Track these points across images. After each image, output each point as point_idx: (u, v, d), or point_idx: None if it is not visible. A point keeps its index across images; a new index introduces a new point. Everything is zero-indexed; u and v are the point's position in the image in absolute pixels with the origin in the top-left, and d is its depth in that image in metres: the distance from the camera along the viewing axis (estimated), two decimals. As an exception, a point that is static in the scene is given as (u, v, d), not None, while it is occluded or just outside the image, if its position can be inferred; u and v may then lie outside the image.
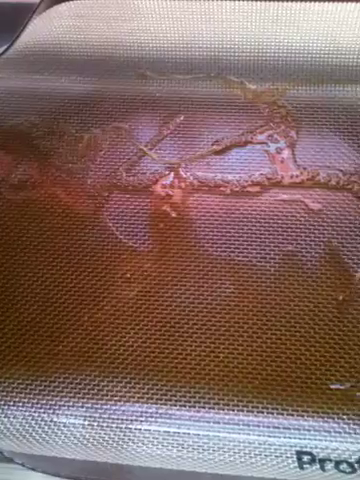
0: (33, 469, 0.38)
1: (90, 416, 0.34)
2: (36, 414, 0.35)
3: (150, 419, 0.34)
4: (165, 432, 0.34)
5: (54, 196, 0.42)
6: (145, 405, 0.34)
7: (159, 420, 0.34)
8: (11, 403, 0.35)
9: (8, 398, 0.35)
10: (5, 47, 0.48)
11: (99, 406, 0.35)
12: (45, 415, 0.35)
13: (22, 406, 0.35)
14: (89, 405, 0.35)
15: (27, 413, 0.35)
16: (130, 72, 0.46)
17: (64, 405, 0.35)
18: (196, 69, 0.46)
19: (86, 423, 0.34)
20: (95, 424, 0.34)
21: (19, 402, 0.35)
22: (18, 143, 0.45)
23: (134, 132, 0.44)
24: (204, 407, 0.34)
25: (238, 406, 0.34)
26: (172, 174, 0.43)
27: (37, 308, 0.38)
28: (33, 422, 0.35)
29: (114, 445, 0.35)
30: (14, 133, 0.45)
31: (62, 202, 0.42)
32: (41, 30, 0.48)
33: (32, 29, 0.48)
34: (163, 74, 0.46)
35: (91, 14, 0.47)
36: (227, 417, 0.34)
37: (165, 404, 0.34)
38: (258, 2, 0.45)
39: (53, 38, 0.48)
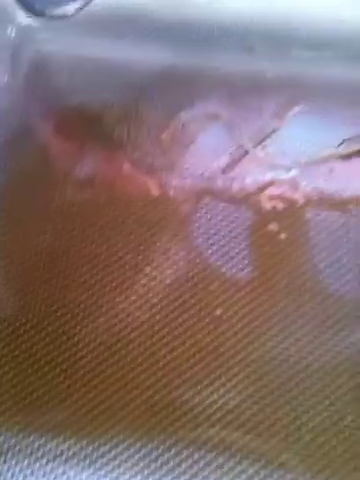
0: None
1: None
2: None
3: None
4: None
5: (128, 198, 0.33)
6: None
7: None
8: None
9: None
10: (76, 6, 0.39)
11: None
12: None
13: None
14: None
15: None
16: (234, 44, 0.36)
17: None
18: (325, 45, 0.35)
19: None
20: None
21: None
22: (85, 128, 0.35)
23: (235, 122, 0.34)
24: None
25: None
26: (282, 182, 0.33)
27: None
28: None
29: None
30: (81, 115, 0.36)
31: (138, 206, 0.33)
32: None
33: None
34: (277, 49, 0.36)
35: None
36: None
37: None
38: None
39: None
